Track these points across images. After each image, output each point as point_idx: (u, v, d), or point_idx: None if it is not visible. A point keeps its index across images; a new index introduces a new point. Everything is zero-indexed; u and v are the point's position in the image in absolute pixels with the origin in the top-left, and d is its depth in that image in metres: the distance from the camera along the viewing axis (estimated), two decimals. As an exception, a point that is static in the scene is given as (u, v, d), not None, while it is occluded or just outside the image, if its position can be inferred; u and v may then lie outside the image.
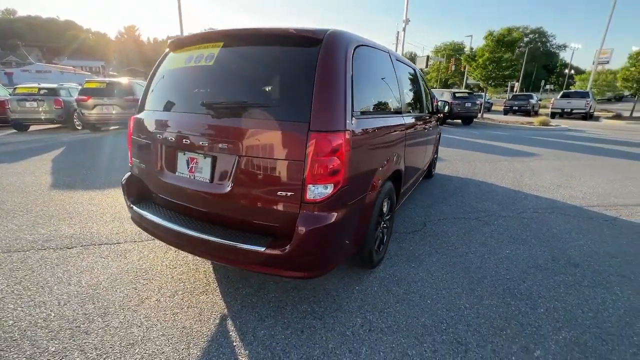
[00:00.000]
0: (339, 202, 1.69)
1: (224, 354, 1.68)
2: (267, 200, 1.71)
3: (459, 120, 15.47)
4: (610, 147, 9.04)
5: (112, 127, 10.89)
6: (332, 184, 1.63)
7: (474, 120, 16.14)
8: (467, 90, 18.16)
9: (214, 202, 1.86)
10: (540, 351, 1.75)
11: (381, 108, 2.35)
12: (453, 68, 59.28)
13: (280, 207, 1.69)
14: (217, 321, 1.91)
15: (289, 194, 1.64)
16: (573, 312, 2.07)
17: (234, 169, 1.76)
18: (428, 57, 40.95)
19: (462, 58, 25.11)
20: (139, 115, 2.26)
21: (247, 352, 1.70)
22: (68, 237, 2.90)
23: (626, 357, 1.72)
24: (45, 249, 2.67)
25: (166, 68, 2.21)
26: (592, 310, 2.09)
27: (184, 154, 1.96)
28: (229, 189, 1.77)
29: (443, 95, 14.04)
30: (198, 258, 2.58)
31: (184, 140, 1.90)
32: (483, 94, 21.60)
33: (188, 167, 1.94)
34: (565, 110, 20.33)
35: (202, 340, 1.76)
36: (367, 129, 1.92)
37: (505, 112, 23.28)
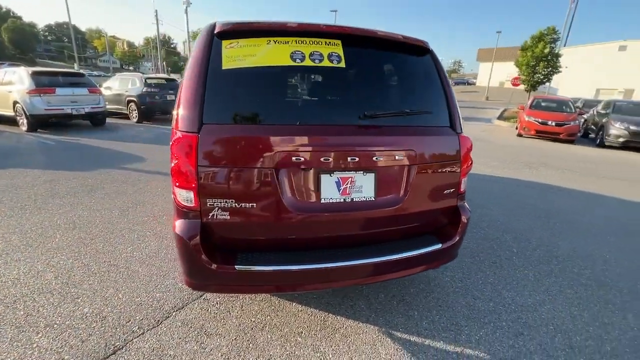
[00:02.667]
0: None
1: (437, 353, 1.75)
2: (435, 201, 1.84)
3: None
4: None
5: None
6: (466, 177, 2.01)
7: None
8: None
9: (379, 219, 1.72)
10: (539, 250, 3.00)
11: None
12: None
13: (443, 204, 1.88)
14: (390, 343, 1.85)
15: (451, 190, 1.87)
16: (512, 224, 3.53)
17: (406, 180, 1.72)
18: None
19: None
20: (207, 132, 1.47)
21: (440, 342, 1.85)
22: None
23: (533, 243, 3.29)
24: None
25: (240, 64, 1.55)
26: (503, 216, 3.64)
27: (331, 175, 1.60)
28: (402, 201, 1.72)
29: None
30: (264, 302, 2.07)
31: (332, 158, 1.56)
32: None
33: (340, 190, 1.62)
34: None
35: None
36: None
37: None
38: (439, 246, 1.82)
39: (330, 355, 1.72)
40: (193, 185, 1.49)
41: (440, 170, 1.82)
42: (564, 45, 18.40)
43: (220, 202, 1.52)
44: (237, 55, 1.57)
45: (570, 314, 2.15)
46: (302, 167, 1.55)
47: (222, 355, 1.68)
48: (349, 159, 1.58)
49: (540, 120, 10.52)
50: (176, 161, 1.51)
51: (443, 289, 2.34)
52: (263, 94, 1.63)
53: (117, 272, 2.34)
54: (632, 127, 9.37)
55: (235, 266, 1.53)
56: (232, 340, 1.78)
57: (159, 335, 1.79)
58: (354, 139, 1.62)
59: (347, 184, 1.64)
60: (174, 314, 1.96)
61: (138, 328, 1.83)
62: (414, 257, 1.76)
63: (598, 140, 10.36)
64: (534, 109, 11.40)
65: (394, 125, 1.73)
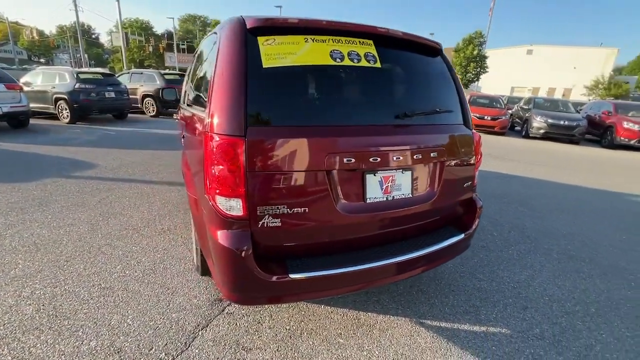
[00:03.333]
0: None
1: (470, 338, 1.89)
2: (459, 194, 1.97)
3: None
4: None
5: None
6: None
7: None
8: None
9: (415, 215, 1.78)
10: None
11: None
12: (151, 49, 55.83)
13: (464, 196, 2.01)
14: (425, 332, 1.94)
15: (469, 183, 2.01)
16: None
17: (438, 175, 1.80)
18: (127, 33, 36.50)
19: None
20: (254, 134, 1.38)
21: (466, 324, 2.00)
22: None
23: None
24: None
25: (282, 62, 1.47)
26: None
27: (375, 175, 1.61)
28: (435, 196, 1.80)
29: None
30: (292, 309, 2.01)
31: (375, 158, 1.57)
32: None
33: (382, 189, 1.64)
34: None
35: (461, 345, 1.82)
36: None
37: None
38: (462, 236, 1.95)
39: (377, 352, 1.74)
40: (241, 192, 1.39)
41: (462, 165, 1.95)
42: (485, 48, 20.73)
43: (271, 209, 1.43)
44: (276, 53, 1.49)
45: (556, 285, 2.47)
46: (350, 168, 1.53)
47: (270, 369, 1.60)
48: (392, 158, 1.61)
49: (478, 115, 11.70)
50: (221, 167, 1.39)
51: (450, 275, 2.52)
52: (307, 93, 1.58)
53: (114, 296, 2.06)
54: (550, 121, 10.96)
55: (290, 275, 1.46)
56: (275, 351, 1.70)
57: (193, 358, 1.63)
58: (395, 139, 1.65)
59: (388, 182, 1.66)
60: (200, 333, 1.80)
61: (165, 355, 1.65)
62: (443, 248, 1.87)
63: (524, 132, 11.92)
64: (471, 105, 12.62)
65: (425, 124, 1.81)
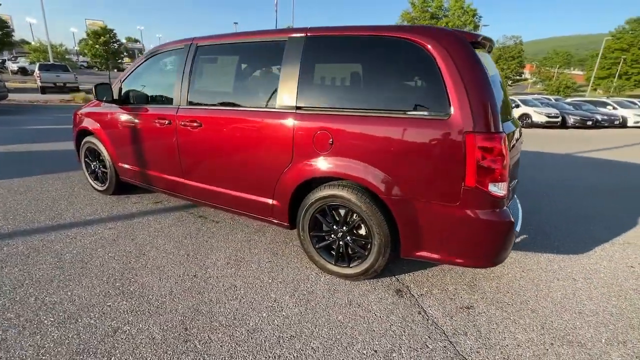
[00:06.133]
0: None
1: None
2: None
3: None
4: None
5: None
6: None
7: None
8: None
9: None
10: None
11: None
12: None
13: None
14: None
15: None
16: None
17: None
18: None
19: None
20: (499, 129, 1.74)
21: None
22: None
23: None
24: None
25: (490, 70, 1.81)
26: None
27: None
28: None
29: None
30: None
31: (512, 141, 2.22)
32: None
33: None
34: (57, 84, 19.26)
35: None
36: None
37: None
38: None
39: (538, 280, 2.47)
40: (507, 175, 1.73)
41: None
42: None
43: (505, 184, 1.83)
44: (486, 63, 1.83)
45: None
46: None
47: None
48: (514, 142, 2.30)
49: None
50: (497, 159, 1.68)
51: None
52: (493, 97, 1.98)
53: (314, 343, 1.75)
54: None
55: (516, 229, 1.93)
56: (483, 298, 2.11)
57: (463, 330, 1.81)
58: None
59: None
60: (430, 319, 1.91)
61: (444, 345, 1.75)
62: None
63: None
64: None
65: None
